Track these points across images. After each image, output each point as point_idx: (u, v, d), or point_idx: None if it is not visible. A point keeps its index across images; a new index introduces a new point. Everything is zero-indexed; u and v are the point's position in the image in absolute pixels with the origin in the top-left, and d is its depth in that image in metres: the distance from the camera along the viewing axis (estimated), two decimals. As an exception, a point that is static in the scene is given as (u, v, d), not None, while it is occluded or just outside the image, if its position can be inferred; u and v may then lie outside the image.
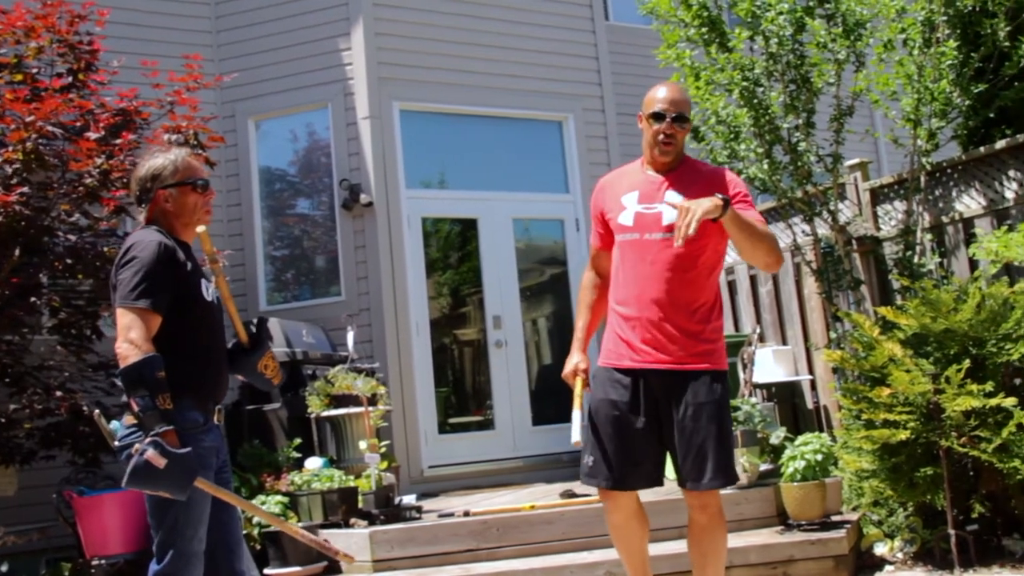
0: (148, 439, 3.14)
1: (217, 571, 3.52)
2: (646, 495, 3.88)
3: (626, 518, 3.82)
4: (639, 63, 11.08)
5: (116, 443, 3.50)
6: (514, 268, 9.07)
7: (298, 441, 6.46)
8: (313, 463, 6.14)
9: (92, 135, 6.34)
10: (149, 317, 3.28)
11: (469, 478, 8.29)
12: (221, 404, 3.63)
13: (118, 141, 6.56)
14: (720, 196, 3.42)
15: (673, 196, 3.63)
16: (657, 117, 3.72)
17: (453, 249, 9.17)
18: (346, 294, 8.35)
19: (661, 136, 3.71)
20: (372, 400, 6.49)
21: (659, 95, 3.76)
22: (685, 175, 3.76)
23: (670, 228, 3.57)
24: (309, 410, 6.57)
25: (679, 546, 4.93)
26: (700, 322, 3.68)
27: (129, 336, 3.23)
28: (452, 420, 8.73)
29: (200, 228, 3.57)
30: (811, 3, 6.47)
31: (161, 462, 3.11)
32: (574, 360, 3.82)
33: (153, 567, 3.39)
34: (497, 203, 9.05)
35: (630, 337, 3.71)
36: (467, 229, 9.08)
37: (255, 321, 6.83)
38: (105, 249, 6.53)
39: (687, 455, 3.64)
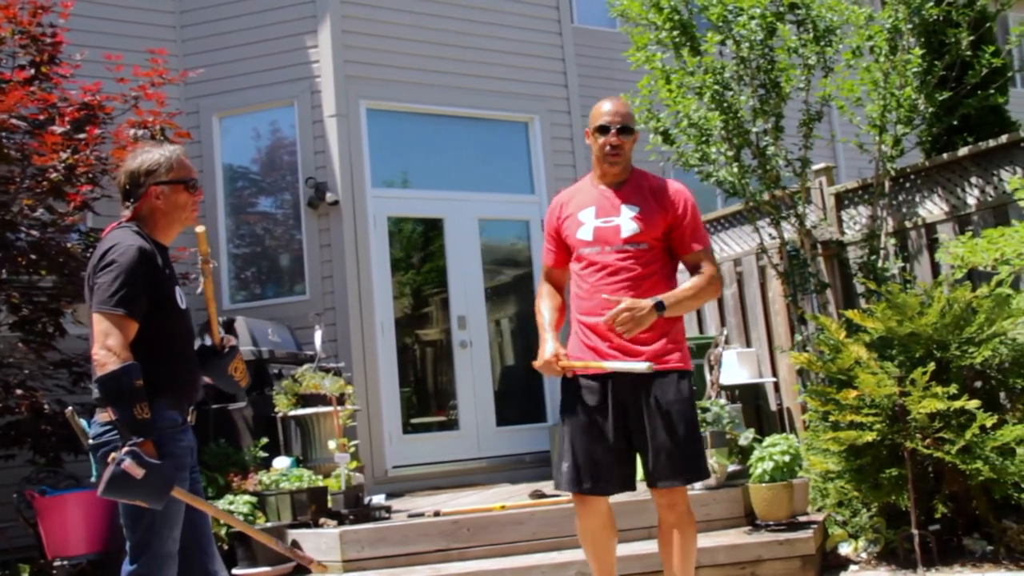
0: (126, 449, 3.11)
1: (190, 571, 3.49)
2: (614, 497, 3.93)
3: (600, 524, 3.89)
4: (603, 66, 11.15)
5: (90, 441, 3.45)
6: (479, 268, 9.07)
7: (265, 440, 6.41)
8: (281, 463, 6.10)
9: (58, 129, 6.24)
10: (127, 324, 3.24)
11: (433, 478, 8.28)
12: (194, 405, 3.61)
13: (82, 136, 6.48)
14: (653, 303, 3.62)
15: (629, 210, 3.82)
16: (602, 130, 3.87)
17: (418, 249, 9.16)
18: (311, 293, 8.29)
19: (608, 148, 3.85)
20: (340, 400, 6.46)
21: (603, 109, 3.91)
22: (636, 188, 3.90)
23: (628, 240, 3.77)
24: (276, 409, 6.52)
25: (648, 546, 5.02)
26: (664, 324, 3.76)
27: (107, 343, 3.19)
28: (416, 420, 8.71)
29: (199, 229, 3.57)
30: (781, 8, 6.54)
31: (139, 472, 3.08)
32: (549, 347, 3.83)
33: (126, 567, 3.35)
34: (463, 203, 9.04)
35: (596, 343, 3.80)
36: (433, 229, 9.07)
37: (223, 322, 6.77)
38: (69, 245, 6.44)
39: (657, 454, 3.70)
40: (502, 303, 9.50)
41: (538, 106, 9.45)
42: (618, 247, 3.79)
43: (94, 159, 6.53)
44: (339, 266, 8.24)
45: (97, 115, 6.79)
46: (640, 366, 3.62)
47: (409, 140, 8.94)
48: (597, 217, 3.86)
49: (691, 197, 3.91)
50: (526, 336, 9.38)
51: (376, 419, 8.06)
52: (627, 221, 3.80)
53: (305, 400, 6.47)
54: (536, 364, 3.86)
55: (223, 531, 5.57)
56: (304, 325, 7.72)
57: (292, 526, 5.62)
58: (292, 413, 6.53)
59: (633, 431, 3.76)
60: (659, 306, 3.63)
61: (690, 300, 3.77)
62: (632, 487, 3.88)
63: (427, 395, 9.04)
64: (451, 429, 8.77)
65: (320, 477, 5.99)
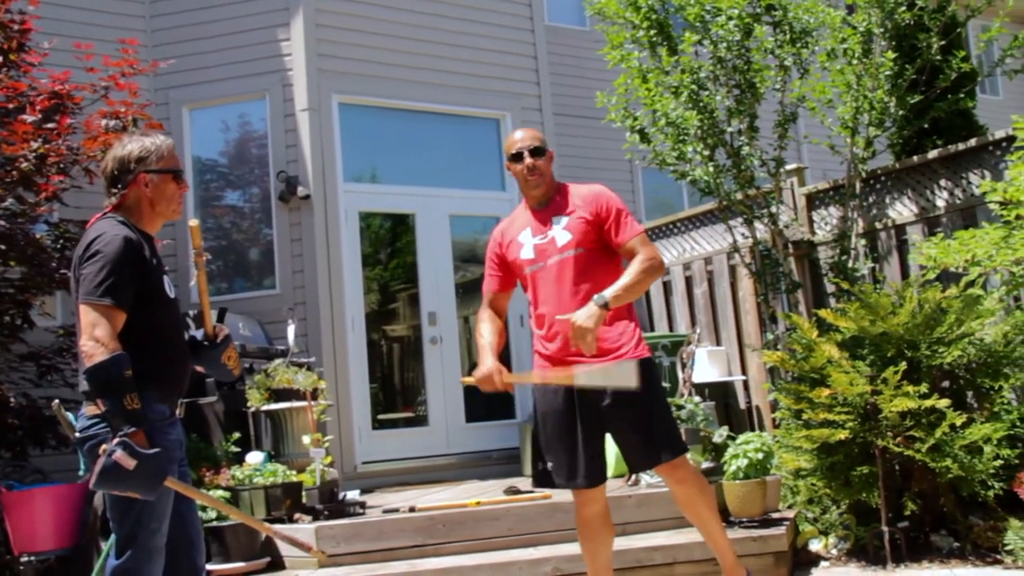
0: (116, 440, 3.07)
1: (178, 565, 3.47)
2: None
3: (597, 514, 4.09)
4: (573, 64, 11.19)
5: (76, 435, 3.42)
6: (450, 265, 9.07)
7: (237, 435, 6.36)
8: (254, 457, 6.05)
9: (28, 118, 6.15)
10: (114, 314, 3.21)
11: (402, 474, 8.26)
12: (183, 398, 3.58)
13: (52, 125, 6.39)
14: (596, 302, 3.75)
15: (558, 221, 4.05)
16: (515, 158, 4.10)
17: (389, 244, 9.13)
18: (281, 287, 8.24)
19: (524, 171, 4.07)
20: (313, 395, 6.42)
21: (513, 138, 4.16)
22: (562, 201, 4.12)
23: (564, 248, 4.01)
24: (249, 404, 6.47)
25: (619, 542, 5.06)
26: (614, 319, 3.96)
27: (95, 334, 3.16)
28: (386, 416, 8.69)
29: (193, 222, 3.58)
30: (758, 10, 6.60)
31: (131, 463, 3.05)
32: (488, 362, 4.01)
33: (112, 562, 3.32)
34: (434, 199, 9.03)
35: (552, 349, 4.05)
36: (404, 225, 9.05)
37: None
38: (38, 236, 6.36)
39: (637, 439, 3.96)
40: (472, 299, 9.49)
41: (510, 103, 9.46)
42: (557, 257, 4.01)
43: (65, 149, 6.44)
44: (310, 261, 8.19)
45: (66, 105, 6.71)
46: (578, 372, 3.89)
47: (381, 135, 8.91)
48: (534, 236, 4.09)
49: (612, 195, 4.12)
50: (496, 333, 9.39)
51: (346, 415, 8.03)
52: (560, 232, 4.03)
53: (278, 395, 6.43)
54: (472, 378, 4.03)
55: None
56: (274, 320, 7.67)
57: (266, 521, 5.57)
58: (264, 408, 6.48)
59: (605, 422, 3.98)
60: (603, 305, 3.76)
61: (633, 286, 3.89)
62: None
63: (397, 391, 9.02)
64: (421, 425, 8.76)
65: (293, 472, 5.95)
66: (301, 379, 6.40)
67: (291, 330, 6.89)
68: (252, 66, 8.46)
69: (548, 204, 4.13)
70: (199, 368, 3.67)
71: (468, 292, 9.37)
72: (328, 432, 7.42)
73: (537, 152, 4.07)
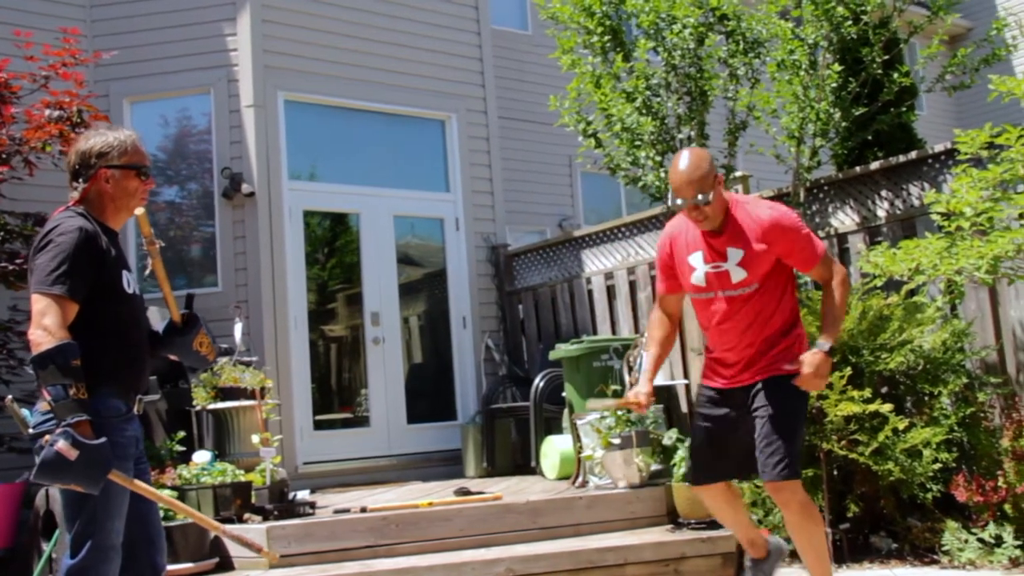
0: (59, 430, 3.00)
1: (137, 564, 3.41)
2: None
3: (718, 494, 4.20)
4: (514, 67, 11.25)
5: (30, 431, 3.33)
6: (394, 265, 9.04)
7: (182, 434, 6.26)
8: (201, 457, 5.97)
9: (-30, 106, 5.99)
10: (66, 304, 3.15)
11: (343, 475, 8.21)
12: (141, 394, 3.52)
13: (-9, 113, 6.24)
14: (821, 348, 3.82)
15: (736, 254, 3.89)
16: (678, 204, 3.91)
17: (334, 243, 9.07)
18: (223, 285, 8.13)
19: (688, 214, 3.90)
20: (260, 393, 6.36)
21: (676, 181, 3.90)
22: (740, 229, 3.91)
23: (739, 285, 3.91)
24: (195, 403, 6.37)
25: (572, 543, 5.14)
26: (780, 335, 4.00)
27: (43, 322, 3.09)
28: (327, 416, 8.63)
29: (138, 210, 3.49)
30: (711, 19, 6.71)
31: (72, 454, 2.97)
32: (640, 387, 4.08)
33: (67, 561, 3.24)
34: (379, 199, 9.00)
35: (721, 377, 4.19)
36: (348, 224, 9.00)
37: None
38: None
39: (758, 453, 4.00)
40: (415, 300, 9.48)
41: (456, 104, 9.47)
42: (731, 293, 3.92)
43: (7, 139, 6.28)
44: (253, 259, 8.10)
45: (3, 94, 6.54)
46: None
47: (327, 134, 8.85)
48: (706, 263, 3.95)
49: (789, 223, 3.92)
50: (437, 333, 9.40)
51: (287, 414, 7.95)
52: (735, 268, 3.89)
53: (225, 393, 6.35)
54: (616, 401, 4.46)
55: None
56: (217, 318, 7.55)
57: (215, 521, 5.49)
58: (212, 407, 6.40)
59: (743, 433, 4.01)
60: (829, 351, 3.82)
61: (841, 316, 3.93)
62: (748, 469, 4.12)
63: (339, 391, 8.96)
64: (362, 426, 8.72)
65: (241, 472, 5.88)
66: (248, 377, 6.34)
67: (238, 328, 6.82)
68: (196, 60, 8.34)
69: (723, 230, 3.94)
70: (172, 357, 3.61)
71: (411, 292, 9.36)
72: (269, 431, 7.34)
73: (702, 200, 3.83)
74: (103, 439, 3.06)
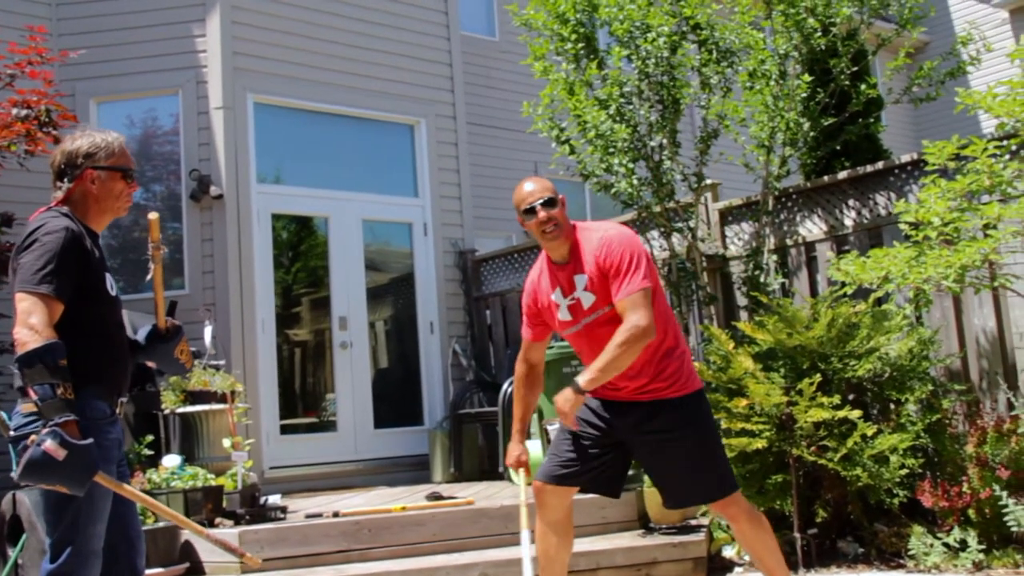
0: (47, 429, 2.97)
1: (116, 567, 3.38)
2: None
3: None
4: (482, 73, 11.27)
5: (11, 433, 3.30)
6: (362, 269, 9.02)
7: (150, 438, 6.20)
8: (171, 461, 5.91)
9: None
10: (52, 303, 3.12)
11: (310, 480, 8.18)
12: (123, 397, 3.50)
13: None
14: (572, 387, 3.69)
15: (581, 279, 3.84)
16: (528, 212, 3.88)
17: (302, 247, 9.03)
18: (190, 288, 8.07)
19: (539, 224, 3.86)
20: (231, 397, 6.32)
21: (523, 192, 3.92)
22: (579, 255, 3.87)
23: (591, 310, 3.84)
24: (164, 406, 6.31)
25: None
26: (664, 356, 3.91)
27: (29, 321, 3.06)
28: (294, 420, 8.58)
29: (152, 215, 3.52)
30: (684, 28, 6.78)
31: (60, 454, 2.93)
32: (513, 449, 4.12)
33: (46, 566, 3.21)
34: (348, 203, 8.97)
35: (601, 391, 4.05)
36: (317, 228, 8.97)
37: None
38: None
39: (685, 475, 3.96)
40: (383, 305, 9.46)
41: (425, 109, 9.47)
42: (588, 319, 3.86)
43: (-26, 138, 6.21)
44: (221, 261, 8.04)
45: (-34, 91, 6.47)
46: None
47: (296, 137, 8.82)
48: (564, 297, 3.92)
49: (616, 243, 3.81)
50: (405, 338, 9.38)
51: (254, 418, 7.89)
52: (583, 294, 3.85)
53: (194, 397, 6.30)
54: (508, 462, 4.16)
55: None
56: (185, 321, 7.44)
57: (186, 526, 5.45)
58: (181, 410, 6.34)
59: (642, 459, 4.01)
60: (578, 390, 3.68)
61: (608, 365, 3.67)
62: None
63: (306, 395, 8.92)
64: (329, 430, 8.69)
65: (212, 476, 5.84)
66: (218, 381, 6.29)
67: (208, 331, 6.77)
68: (165, 61, 8.28)
69: (569, 259, 3.92)
70: (150, 363, 3.60)
71: (379, 297, 9.34)
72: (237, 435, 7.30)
73: (550, 203, 3.85)
74: (90, 440, 3.03)
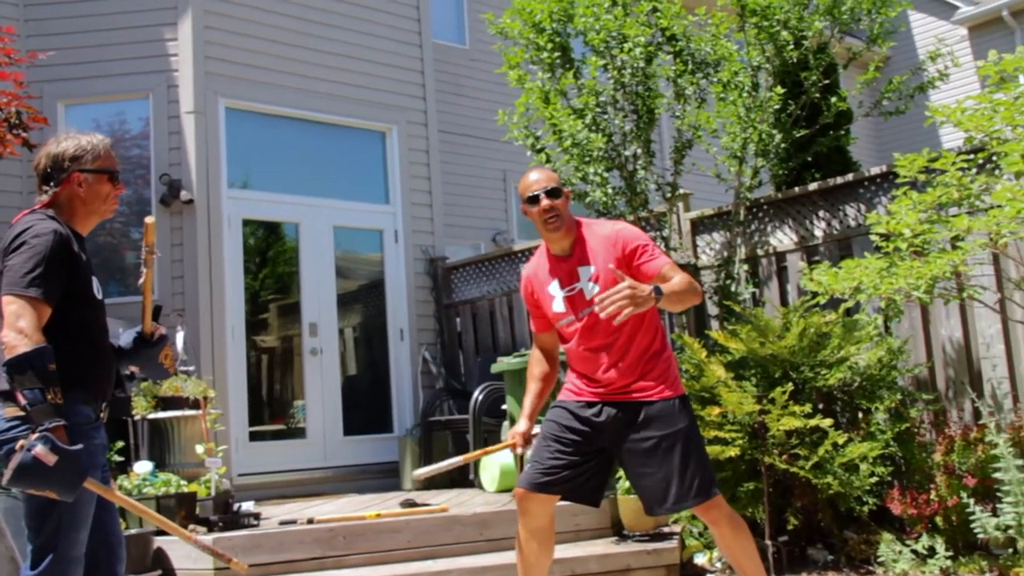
0: (37, 434, 2.95)
1: (97, 573, 3.36)
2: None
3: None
4: (452, 80, 11.28)
5: (-4, 437, 3.26)
6: (332, 276, 9.00)
7: (121, 444, 6.14)
8: (142, 467, 5.85)
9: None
10: (40, 307, 3.10)
11: (279, 487, 8.13)
12: (107, 401, 3.49)
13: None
14: (651, 288, 3.57)
15: (587, 270, 3.90)
16: (531, 200, 3.92)
17: (272, 253, 8.98)
18: (160, 293, 7.95)
19: (542, 213, 3.90)
20: (204, 403, 6.27)
21: (528, 180, 3.98)
22: (585, 248, 3.93)
23: (593, 301, 3.75)
24: (135, 412, 6.25)
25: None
26: (652, 356, 3.95)
27: (18, 325, 3.04)
28: (264, 427, 8.54)
29: (149, 219, 3.49)
30: (659, 39, 6.84)
31: (51, 459, 2.91)
32: (520, 426, 4.14)
33: (27, 572, 3.19)
34: (319, 209, 8.95)
35: (583, 388, 4.08)
36: (287, 234, 8.93)
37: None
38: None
39: (666, 479, 3.92)
40: (353, 311, 9.44)
41: (397, 116, 9.47)
42: (589, 310, 3.85)
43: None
44: (191, 267, 7.99)
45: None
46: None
47: (268, 142, 8.78)
48: (563, 288, 3.96)
49: (631, 232, 3.94)
50: (375, 346, 9.36)
51: (224, 424, 7.82)
52: (587, 285, 3.89)
53: (166, 403, 6.24)
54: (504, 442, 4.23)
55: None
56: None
57: (159, 533, 5.39)
58: (152, 416, 6.29)
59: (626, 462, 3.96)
60: (657, 291, 3.58)
61: (682, 294, 3.70)
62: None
63: (276, 402, 8.87)
64: (299, 437, 8.65)
65: (184, 483, 5.79)
66: (190, 387, 6.24)
67: (180, 336, 6.72)
68: (135, 64, 8.22)
69: (571, 252, 3.97)
70: (133, 368, 3.58)
71: (349, 303, 9.32)
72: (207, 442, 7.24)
73: (554, 193, 3.90)
74: (80, 445, 3.02)
